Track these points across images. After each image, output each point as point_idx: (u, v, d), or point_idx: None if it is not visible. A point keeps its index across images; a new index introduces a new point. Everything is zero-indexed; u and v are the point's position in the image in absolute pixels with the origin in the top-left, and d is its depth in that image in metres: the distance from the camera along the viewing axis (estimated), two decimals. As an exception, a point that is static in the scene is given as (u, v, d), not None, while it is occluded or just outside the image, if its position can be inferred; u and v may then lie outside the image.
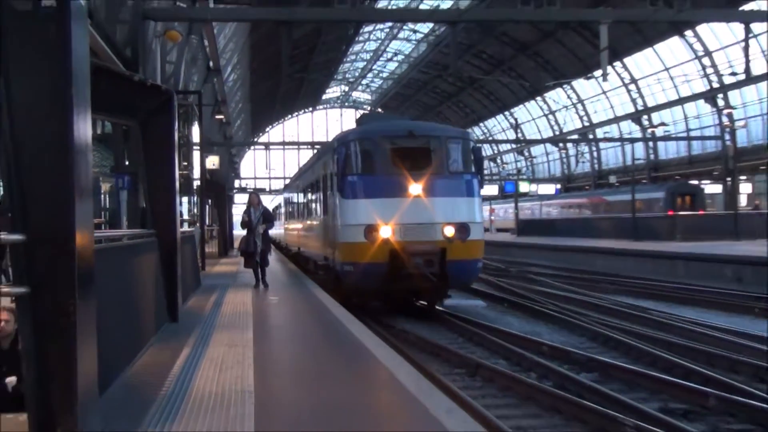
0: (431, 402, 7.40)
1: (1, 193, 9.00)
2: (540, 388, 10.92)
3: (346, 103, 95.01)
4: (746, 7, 41.58)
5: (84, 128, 5.80)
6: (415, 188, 16.64)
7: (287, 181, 53.10)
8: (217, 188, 42.71)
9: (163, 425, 6.60)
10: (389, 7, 57.01)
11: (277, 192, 56.99)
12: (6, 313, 8.30)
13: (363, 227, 16.59)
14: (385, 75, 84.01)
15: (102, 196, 24.03)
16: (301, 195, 29.75)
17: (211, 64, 33.18)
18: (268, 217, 19.81)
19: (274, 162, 76.29)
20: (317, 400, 7.74)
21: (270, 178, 78.19)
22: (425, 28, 64.98)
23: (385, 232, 16.37)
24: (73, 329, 5.60)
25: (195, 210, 34.92)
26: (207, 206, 41.64)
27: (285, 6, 34.10)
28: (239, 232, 23.93)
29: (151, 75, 20.38)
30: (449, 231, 16.69)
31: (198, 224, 30.46)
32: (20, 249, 5.64)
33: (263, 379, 8.64)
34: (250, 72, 57.47)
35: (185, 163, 28.96)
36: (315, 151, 45.15)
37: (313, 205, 23.95)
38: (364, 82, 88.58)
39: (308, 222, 26.26)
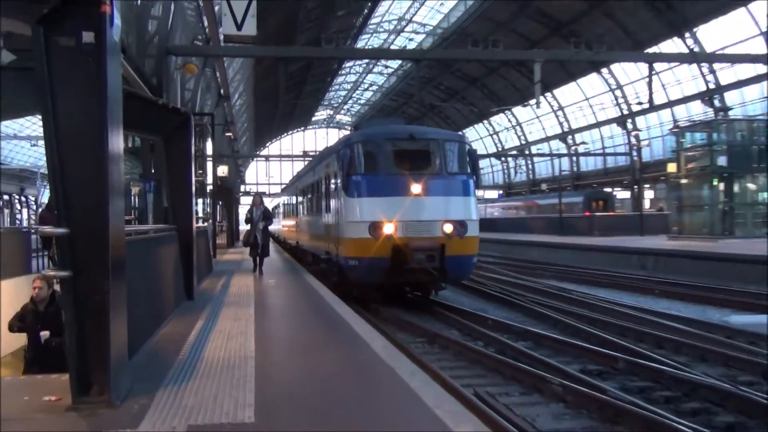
0: (398, 364, 7.40)
1: (49, 195, 8.85)
2: (485, 353, 10.98)
3: (331, 124, 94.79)
4: (650, 50, 42.11)
5: (116, 142, 5.77)
6: (416, 187, 14.91)
7: (284, 185, 50.53)
8: (226, 192, 42.97)
9: (179, 383, 6.58)
10: (366, 47, 57.03)
11: (275, 195, 56.59)
12: (40, 281, 8.21)
13: (367, 224, 14.74)
14: (362, 102, 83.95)
15: (132, 197, 24.02)
16: (300, 195, 27.43)
17: (221, 91, 33.01)
18: (268, 215, 19.45)
19: (272, 171, 78.24)
20: (306, 363, 7.74)
21: (269, 184, 78.39)
22: (395, 64, 65.06)
23: (388, 228, 14.55)
24: (106, 306, 5.57)
25: (208, 209, 34.93)
26: (218, 206, 41.86)
27: (282, 45, 34.19)
28: (244, 227, 22.71)
29: (172, 99, 20.28)
30: (448, 228, 14.90)
31: (210, 221, 30.58)
32: (64, 240, 5.62)
33: (262, 346, 8.61)
34: (253, 98, 57.26)
35: (200, 171, 28.87)
36: (306, 162, 43.11)
37: (314, 203, 21.58)
38: (345, 107, 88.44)
39: (308, 219, 23.70)
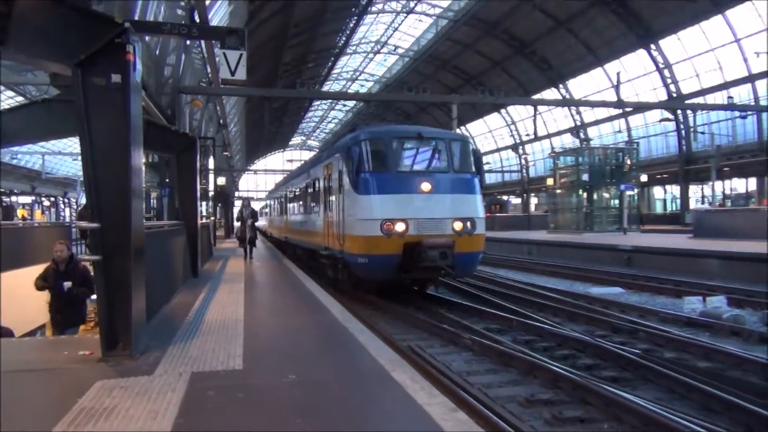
0: (350, 325, 7.39)
1: (85, 198, 8.54)
2: (416, 316, 10.96)
3: (304, 147, 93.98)
4: (535, 96, 43.03)
5: (138, 158, 5.64)
6: (426, 185, 11.78)
7: (270, 190, 43.64)
8: (224, 197, 42.88)
9: (186, 340, 6.47)
10: (329, 90, 56.88)
11: (261, 199, 55.75)
12: (60, 244, 7.90)
13: (379, 221, 11.41)
14: (327, 131, 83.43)
15: (152, 200, 23.62)
16: (291, 196, 22.83)
17: (221, 121, 32.50)
18: (255, 215, 19.05)
19: (259, 181, 77.77)
20: (282, 323, 7.68)
21: (257, 191, 77.93)
22: (351, 103, 64.96)
23: (400, 226, 11.35)
24: (129, 282, 5.47)
25: (210, 209, 34.40)
26: (218, 207, 41.50)
27: (267, 88, 33.82)
28: (237, 224, 22.11)
29: (183, 126, 19.85)
30: (458, 225, 11.76)
31: (212, 218, 30.29)
32: (96, 233, 5.50)
33: (249, 311, 8.53)
34: (245, 126, 56.58)
35: (204, 181, 28.40)
36: (286, 174, 40.95)
37: (310, 202, 17.36)
38: (314, 134, 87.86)
39: (302, 217, 19.25)
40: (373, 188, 11.71)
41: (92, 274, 4.85)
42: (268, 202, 39.57)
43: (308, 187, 17.79)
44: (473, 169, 12.64)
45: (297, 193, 20.78)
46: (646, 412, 5.38)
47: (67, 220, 45.91)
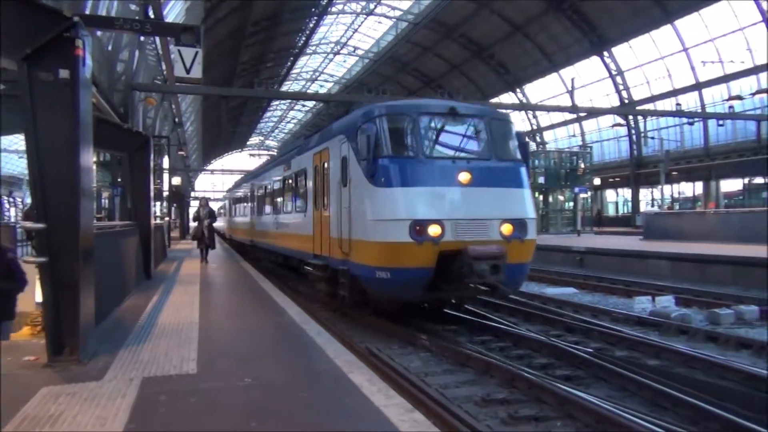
0: (308, 326, 7.35)
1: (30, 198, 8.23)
2: (373, 319, 10.90)
3: (261, 148, 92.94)
4: (493, 100, 43.62)
5: (87, 156, 5.49)
6: (464, 176, 8.90)
7: (232, 188, 36.10)
8: (179, 197, 42.14)
9: (137, 344, 6.32)
10: (288, 90, 56.42)
11: (219, 200, 54.69)
12: None
13: (407, 223, 8.46)
14: (285, 131, 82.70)
15: (103, 200, 22.98)
16: (261, 193, 19.54)
17: (176, 119, 31.85)
18: (212, 215, 17.90)
19: (216, 181, 76.64)
20: (238, 325, 7.58)
21: (214, 191, 76.67)
22: (310, 104, 64.58)
23: (434, 229, 8.48)
24: (76, 284, 5.31)
25: (164, 210, 33.67)
26: (172, 207, 40.69)
27: (224, 87, 33.32)
28: (192, 224, 21.14)
29: (136, 125, 19.35)
30: (507, 228, 8.95)
31: (166, 218, 29.71)
32: (42, 233, 5.34)
33: (205, 313, 8.38)
34: (202, 125, 55.59)
35: (158, 181, 27.85)
36: (245, 173, 37.76)
37: (291, 199, 14.42)
38: (272, 135, 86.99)
39: (277, 217, 16.12)
40: (399, 179, 8.75)
41: (21, 267, 4.64)
42: (228, 201, 35.29)
43: (288, 182, 14.93)
44: (519, 155, 9.77)
45: (270, 190, 17.94)
46: (598, 410, 5.52)
47: (12, 220, 44.18)
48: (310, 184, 12.30)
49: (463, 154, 9.32)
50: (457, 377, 7.24)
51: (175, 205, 42.99)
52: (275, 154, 21.90)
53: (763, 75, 29.86)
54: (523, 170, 9.66)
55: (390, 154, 8.96)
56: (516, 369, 6.98)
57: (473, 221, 8.74)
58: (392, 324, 10.11)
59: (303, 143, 14.38)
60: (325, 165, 11.08)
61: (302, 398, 4.53)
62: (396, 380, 6.62)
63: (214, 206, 30.21)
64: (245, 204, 24.14)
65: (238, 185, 30.02)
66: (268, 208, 18.35)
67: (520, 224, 9.06)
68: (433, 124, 9.43)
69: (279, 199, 16.37)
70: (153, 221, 13.67)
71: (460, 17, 39.34)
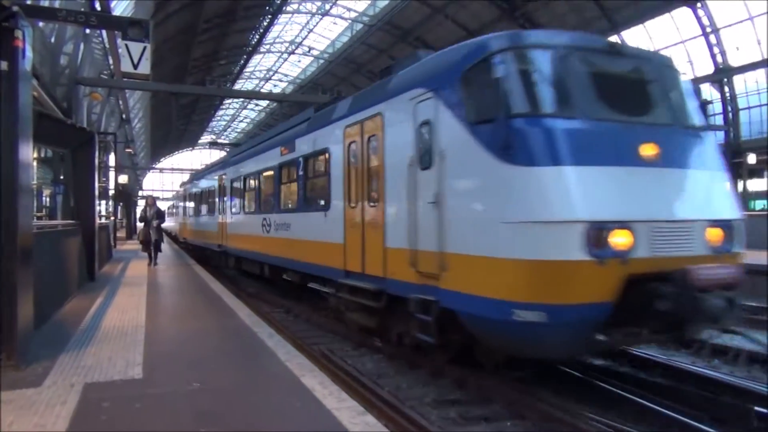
0: (259, 329, 7.25)
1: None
2: (327, 320, 10.87)
3: (213, 147, 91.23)
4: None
5: (26, 152, 5.27)
6: (649, 149, 5.44)
7: (187, 182, 28.98)
8: (126, 196, 41.03)
9: (79, 348, 6.10)
10: (242, 89, 55.62)
11: (168, 199, 53.25)
12: None
13: (580, 228, 4.92)
14: (238, 130, 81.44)
15: (44, 198, 22.07)
16: (239, 186, 15.64)
17: (123, 115, 30.93)
18: (161, 215, 16.74)
19: (165, 180, 74.84)
20: (186, 328, 7.41)
21: (163, 190, 75.01)
22: (264, 103, 63.84)
23: (622, 238, 5.04)
24: (14, 286, 5.10)
25: (110, 209, 32.67)
26: (119, 207, 39.68)
27: (175, 82, 32.57)
28: (139, 225, 18.60)
29: (80, 120, 18.71)
30: (715, 235, 5.61)
31: (112, 218, 28.87)
32: None
33: (152, 316, 8.16)
34: (151, 122, 54.17)
35: (104, 179, 26.93)
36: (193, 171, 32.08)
37: (300, 191, 10.81)
38: (225, 133, 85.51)
39: (273, 217, 12.28)
40: (558, 152, 5.26)
41: None
42: (183, 196, 29.63)
43: (289, 169, 11.51)
44: (704, 121, 6.54)
45: (257, 181, 13.90)
46: (546, 409, 5.64)
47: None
48: (336, 169, 8.85)
49: (637, 116, 5.90)
50: (409, 379, 7.26)
51: (121, 204, 41.84)
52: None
53: (704, 86, 31.22)
54: (715, 143, 6.41)
55: (535, 112, 5.42)
56: (467, 370, 7.06)
57: (674, 224, 5.39)
58: (346, 326, 10.09)
59: (314, 116, 10.87)
60: (373, 139, 7.70)
61: (252, 403, 4.45)
62: (348, 383, 6.60)
63: (163, 206, 28.72)
64: (212, 200, 19.37)
65: (199, 176, 23.98)
66: (252, 206, 14.41)
67: (728, 229, 5.77)
68: (590, 67, 5.81)
69: (272, 194, 12.54)
70: (97, 221, 13.20)
71: (414, 21, 39.64)
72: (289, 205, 11.63)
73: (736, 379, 6.54)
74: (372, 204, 7.72)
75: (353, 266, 8.11)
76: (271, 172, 12.69)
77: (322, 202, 9.60)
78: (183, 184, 30.23)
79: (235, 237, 15.85)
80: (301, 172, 10.76)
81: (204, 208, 21.29)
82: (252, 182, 14.46)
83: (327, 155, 9.32)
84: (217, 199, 18.55)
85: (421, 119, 6.55)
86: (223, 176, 17.79)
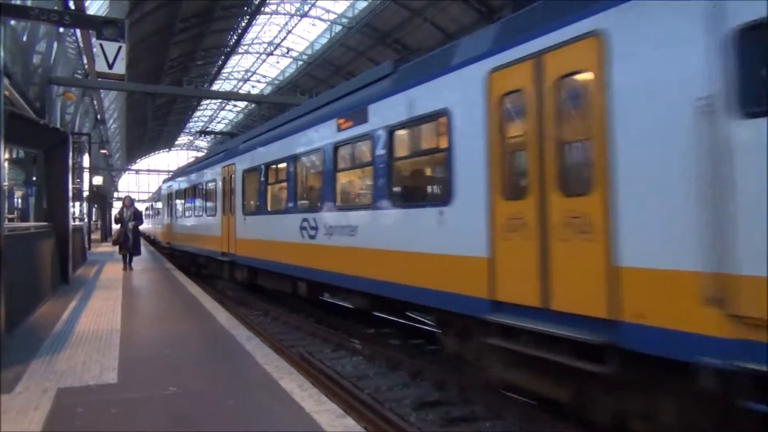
0: (237, 332, 7.19)
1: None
2: (306, 323, 10.83)
3: (191, 148, 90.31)
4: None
5: (-3, 152, 5.13)
6: None
7: (176, 174, 24.33)
8: (101, 198, 40.29)
9: (52, 353, 5.97)
10: (220, 89, 55.15)
11: (144, 201, 52.39)
12: None
13: None
14: (216, 131, 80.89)
15: (16, 200, 21.62)
16: (262, 177, 11.82)
17: (98, 116, 30.44)
18: (138, 216, 15.77)
19: (141, 181, 74.11)
20: (164, 332, 7.30)
21: (139, 192, 74.16)
22: (242, 104, 63.36)
23: None
24: (-16, 290, 4.94)
25: (83, 211, 32.14)
26: (93, 209, 39.07)
27: (151, 83, 32.18)
28: (115, 227, 17.19)
29: (53, 120, 18.37)
30: None
31: (86, 220, 28.43)
32: None
33: (127, 320, 8.03)
34: (126, 123, 53.41)
35: (77, 180, 26.44)
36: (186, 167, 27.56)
37: (364, 182, 8.38)
38: (202, 135, 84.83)
39: (313, 216, 9.19)
40: None
41: None
42: (165, 198, 25.57)
43: (366, 148, 7.93)
44: None
45: (292, 169, 10.33)
46: (525, 410, 5.68)
47: None
48: (467, 141, 5.89)
49: None
50: (389, 380, 7.26)
51: (96, 206, 41.22)
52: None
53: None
54: None
55: None
56: (446, 373, 7.08)
57: None
58: (325, 328, 10.06)
59: (402, 69, 7.62)
60: (570, 81, 4.87)
61: (230, 406, 4.40)
62: (328, 385, 6.57)
63: (140, 207, 27.36)
64: (212, 197, 15.71)
65: (190, 170, 19.73)
66: (281, 202, 11.09)
67: None
68: None
69: (321, 185, 9.02)
70: (71, 223, 12.99)
71: (394, 23, 39.73)
72: (357, 201, 8.63)
73: None
74: (572, 192, 4.72)
75: (517, 295, 5.18)
76: (316, 156, 9.42)
77: (434, 194, 7.04)
78: (166, 181, 26.72)
79: (251, 243, 12.39)
80: (381, 152, 7.37)
81: (199, 207, 17.59)
82: (280, 172, 11.16)
83: (445, 120, 6.20)
84: (221, 196, 14.82)
85: (741, 21, 3.56)
86: (231, 167, 14.04)
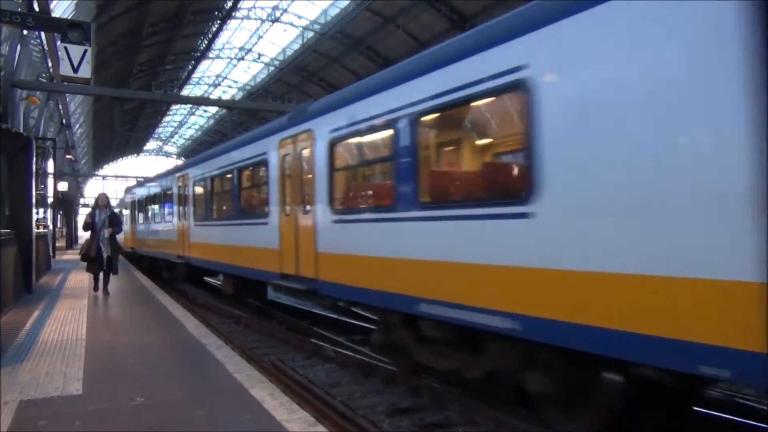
0: (207, 341, 7.08)
1: None
2: (278, 330, 10.74)
3: (160, 153, 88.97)
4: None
5: (-45, 157, 4.97)
6: None
7: (167, 171, 20.35)
8: (67, 204, 39.52)
9: (14, 364, 5.79)
10: (190, 94, 54.53)
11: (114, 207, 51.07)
12: None
13: None
14: (186, 137, 79.70)
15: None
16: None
17: (64, 121, 29.77)
18: (116, 221, 11.78)
19: (108, 187, 72.74)
20: (130, 341, 7.15)
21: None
22: (213, 109, 62.75)
23: None
24: (-59, 299, 4.77)
25: (45, 217, 31.40)
26: (59, 215, 38.22)
27: (119, 87, 31.66)
28: (83, 234, 13.19)
29: (16, 125, 17.87)
30: None
31: (51, 227, 27.75)
32: None
33: (93, 330, 7.85)
34: (92, 128, 52.37)
35: (42, 186, 25.80)
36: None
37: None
38: (172, 140, 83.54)
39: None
40: None
41: None
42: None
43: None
44: None
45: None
46: (498, 415, 5.70)
47: None
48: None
49: None
50: (362, 387, 7.22)
51: (61, 212, 40.30)
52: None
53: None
54: None
55: None
56: (421, 378, 7.07)
57: None
58: (297, 335, 9.99)
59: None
60: None
61: (199, 417, 4.32)
62: (300, 393, 6.51)
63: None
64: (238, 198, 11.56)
65: (200, 161, 14.88)
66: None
67: None
68: None
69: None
70: (35, 229, 12.63)
71: (366, 30, 39.86)
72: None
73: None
74: None
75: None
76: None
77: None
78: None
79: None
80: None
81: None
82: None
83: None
84: (206, 205, 13.42)
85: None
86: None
